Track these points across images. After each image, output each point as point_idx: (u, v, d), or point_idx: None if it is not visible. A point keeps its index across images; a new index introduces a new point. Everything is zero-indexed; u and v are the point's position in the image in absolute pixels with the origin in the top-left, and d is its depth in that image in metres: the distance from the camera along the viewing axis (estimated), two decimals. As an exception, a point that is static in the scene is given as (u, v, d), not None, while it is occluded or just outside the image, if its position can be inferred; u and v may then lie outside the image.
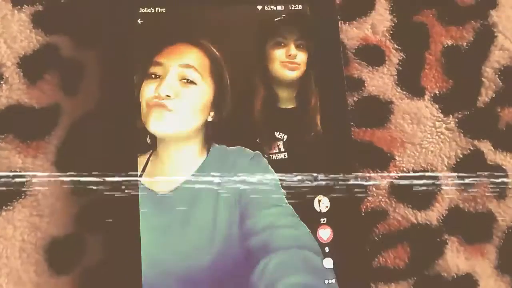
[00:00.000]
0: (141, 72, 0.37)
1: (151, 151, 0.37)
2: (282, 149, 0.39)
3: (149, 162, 0.36)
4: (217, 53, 0.37)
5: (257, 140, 0.38)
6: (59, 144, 0.40)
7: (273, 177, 0.37)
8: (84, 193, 0.38)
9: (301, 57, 0.41)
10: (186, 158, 0.37)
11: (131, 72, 0.38)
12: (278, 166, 0.38)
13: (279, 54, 0.40)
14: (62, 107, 0.40)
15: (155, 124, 0.36)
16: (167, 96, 0.36)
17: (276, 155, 0.39)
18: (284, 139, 0.39)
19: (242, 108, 0.39)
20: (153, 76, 0.37)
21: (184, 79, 0.36)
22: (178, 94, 0.36)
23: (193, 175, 0.36)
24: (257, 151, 0.38)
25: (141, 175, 0.36)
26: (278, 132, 0.39)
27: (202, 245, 0.35)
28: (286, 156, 0.39)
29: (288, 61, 0.40)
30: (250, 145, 0.38)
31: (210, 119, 0.37)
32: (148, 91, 0.36)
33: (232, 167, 0.36)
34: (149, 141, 0.37)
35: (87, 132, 0.40)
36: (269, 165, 0.37)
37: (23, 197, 0.39)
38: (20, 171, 0.39)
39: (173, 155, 0.37)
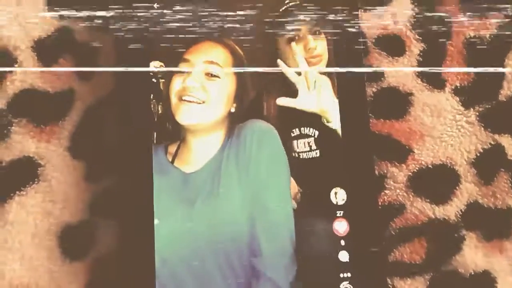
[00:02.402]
0: (171, 68, 0.39)
1: (179, 141, 0.39)
2: (314, 147, 0.38)
3: (179, 149, 0.39)
4: (239, 50, 0.39)
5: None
6: (73, 129, 0.39)
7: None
8: (97, 179, 0.38)
9: (321, 45, 0.39)
10: (212, 144, 0.38)
11: (147, 58, 0.38)
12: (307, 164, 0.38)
13: (298, 49, 0.39)
14: (77, 92, 0.40)
15: (184, 115, 0.38)
16: (193, 87, 0.38)
17: (306, 153, 0.38)
18: (316, 136, 0.39)
19: (263, 103, 0.39)
20: (182, 71, 0.39)
21: (209, 73, 0.38)
22: (204, 86, 0.38)
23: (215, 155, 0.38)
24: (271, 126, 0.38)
25: (172, 161, 0.38)
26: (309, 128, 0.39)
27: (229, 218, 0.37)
28: (318, 155, 0.38)
29: (310, 56, 0.39)
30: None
31: (233, 110, 0.39)
32: (176, 84, 0.38)
33: (246, 142, 0.38)
34: (171, 129, 0.39)
35: (101, 117, 0.39)
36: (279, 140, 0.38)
37: (36, 182, 0.38)
38: (33, 156, 0.39)
39: (201, 142, 0.39)
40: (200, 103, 0.38)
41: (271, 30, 0.40)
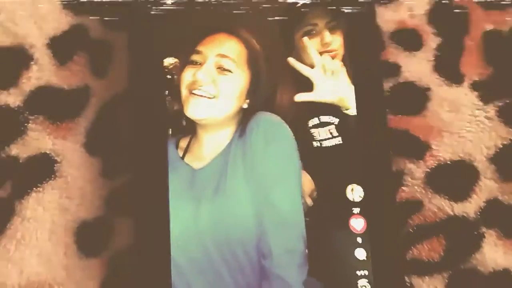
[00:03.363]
0: (183, 59, 0.38)
1: (191, 134, 0.38)
2: (335, 134, 0.38)
3: (190, 144, 0.38)
4: (255, 44, 0.38)
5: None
6: (88, 126, 0.39)
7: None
8: (113, 175, 0.38)
9: (337, 41, 0.39)
10: (223, 140, 0.38)
11: (162, 55, 0.38)
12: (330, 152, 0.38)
13: (313, 44, 0.39)
14: (92, 89, 0.40)
15: (193, 109, 0.37)
16: (203, 81, 0.37)
17: (329, 141, 0.38)
18: (336, 123, 0.38)
19: (278, 98, 0.38)
20: (194, 63, 0.38)
21: (221, 67, 0.37)
22: (215, 80, 0.37)
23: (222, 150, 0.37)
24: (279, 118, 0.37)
25: (183, 157, 0.37)
26: (329, 116, 0.38)
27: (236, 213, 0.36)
28: (341, 141, 0.38)
29: (325, 51, 0.39)
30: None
31: (245, 106, 0.38)
32: (187, 76, 0.37)
33: (252, 136, 0.37)
34: (187, 124, 0.38)
35: (117, 114, 0.39)
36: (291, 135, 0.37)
37: (53, 178, 0.38)
38: (50, 153, 0.39)
39: (211, 137, 0.38)
40: (210, 98, 0.37)
41: (289, 25, 0.39)
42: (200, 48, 0.38)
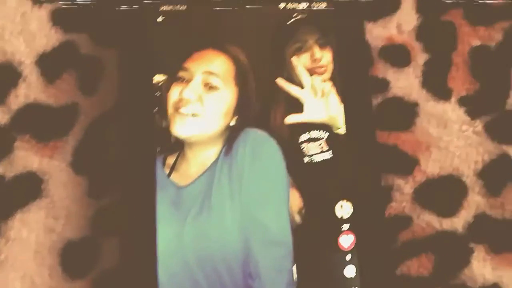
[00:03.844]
0: (170, 76, 0.38)
1: (178, 152, 0.38)
2: (326, 148, 0.38)
3: (177, 161, 0.38)
4: (244, 60, 0.38)
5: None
6: (76, 145, 0.39)
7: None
8: (100, 195, 0.38)
9: (327, 57, 0.39)
10: (210, 157, 0.37)
11: (152, 72, 0.38)
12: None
13: (303, 61, 0.39)
14: (80, 107, 0.40)
15: (178, 127, 0.37)
16: (190, 99, 0.36)
17: (319, 155, 0.38)
18: (326, 137, 0.38)
19: (267, 114, 0.38)
20: (181, 80, 0.37)
21: (208, 84, 0.37)
22: (201, 98, 0.37)
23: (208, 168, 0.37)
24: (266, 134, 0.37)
25: (169, 174, 0.37)
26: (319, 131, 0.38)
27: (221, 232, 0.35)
28: (331, 155, 0.38)
29: (315, 67, 0.39)
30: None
31: (233, 123, 0.38)
32: (174, 94, 0.37)
33: (238, 153, 0.37)
34: (175, 142, 0.38)
35: (105, 132, 0.39)
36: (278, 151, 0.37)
37: (39, 198, 0.38)
38: (36, 172, 0.38)
39: (198, 155, 0.37)
40: (196, 116, 0.36)
41: (278, 42, 0.39)
42: (187, 64, 0.37)
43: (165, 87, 0.38)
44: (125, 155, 0.36)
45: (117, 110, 0.40)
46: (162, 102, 0.37)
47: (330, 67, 0.39)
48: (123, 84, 0.39)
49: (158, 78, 0.38)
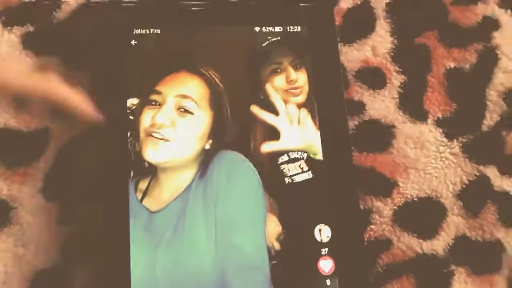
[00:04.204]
0: (142, 99, 0.37)
1: (151, 176, 0.37)
2: (306, 168, 0.37)
3: (149, 186, 0.36)
4: (219, 83, 0.37)
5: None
6: (47, 170, 0.38)
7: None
8: (71, 222, 0.36)
9: (302, 78, 0.39)
10: (184, 182, 0.36)
11: (125, 95, 0.37)
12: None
13: (279, 83, 0.39)
14: (52, 131, 0.39)
15: (150, 152, 0.36)
16: (163, 124, 0.36)
17: (300, 175, 0.37)
18: (305, 157, 0.38)
19: (244, 137, 0.38)
20: (153, 103, 0.37)
21: (181, 108, 0.36)
22: (174, 123, 0.36)
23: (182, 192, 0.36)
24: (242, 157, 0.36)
25: (141, 199, 0.36)
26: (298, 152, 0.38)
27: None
28: (311, 175, 0.37)
29: (290, 88, 0.39)
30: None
31: (208, 147, 0.37)
32: (146, 118, 0.36)
33: (213, 176, 0.36)
34: (148, 166, 0.37)
35: (76, 157, 0.38)
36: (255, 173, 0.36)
37: (7, 226, 0.37)
38: (5, 198, 0.37)
39: (171, 179, 0.36)
40: (169, 141, 0.35)
41: (254, 64, 0.39)
42: (159, 87, 0.36)
43: (138, 111, 0.37)
44: (97, 180, 0.35)
45: (89, 134, 0.38)
46: (134, 126, 0.36)
47: (306, 88, 0.39)
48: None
49: (132, 101, 0.37)
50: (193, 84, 0.37)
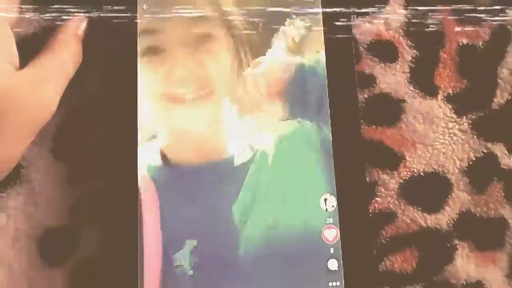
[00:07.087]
0: None
1: None
2: None
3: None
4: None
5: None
6: (56, 130, 0.38)
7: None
8: (81, 182, 0.37)
9: None
10: None
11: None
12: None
13: None
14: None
15: None
16: None
17: None
18: None
19: None
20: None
21: None
22: None
23: None
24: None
25: None
26: None
27: None
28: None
29: None
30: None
31: None
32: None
33: None
34: None
35: (86, 118, 0.38)
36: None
37: (18, 184, 0.37)
38: (16, 157, 0.38)
39: None
40: None
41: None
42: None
43: None
44: (107, 141, 0.36)
45: (99, 96, 0.39)
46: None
47: None
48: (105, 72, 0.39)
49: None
50: None
